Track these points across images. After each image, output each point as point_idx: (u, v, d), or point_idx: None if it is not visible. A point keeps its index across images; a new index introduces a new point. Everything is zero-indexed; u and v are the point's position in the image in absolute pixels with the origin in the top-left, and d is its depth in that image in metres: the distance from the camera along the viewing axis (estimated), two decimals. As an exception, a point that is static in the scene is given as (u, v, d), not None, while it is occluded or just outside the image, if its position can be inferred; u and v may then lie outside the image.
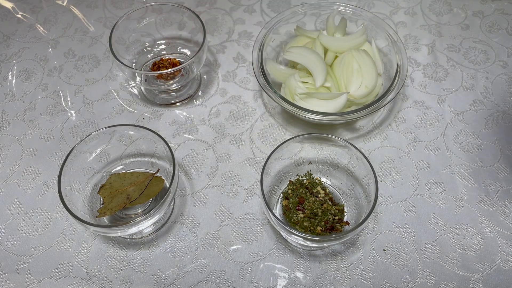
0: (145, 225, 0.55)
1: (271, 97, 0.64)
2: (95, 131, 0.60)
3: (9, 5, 0.87)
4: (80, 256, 0.59)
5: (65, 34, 0.82)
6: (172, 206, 0.63)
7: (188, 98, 0.74)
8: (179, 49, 0.78)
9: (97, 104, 0.73)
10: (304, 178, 0.62)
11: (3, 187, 0.65)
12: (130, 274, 0.58)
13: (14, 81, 0.76)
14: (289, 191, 0.60)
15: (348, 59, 0.66)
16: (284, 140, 0.59)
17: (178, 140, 0.69)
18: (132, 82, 0.75)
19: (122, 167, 0.65)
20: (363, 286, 0.56)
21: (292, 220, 0.57)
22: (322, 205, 0.58)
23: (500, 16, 0.82)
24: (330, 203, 0.58)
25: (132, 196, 0.59)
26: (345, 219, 0.59)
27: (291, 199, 0.59)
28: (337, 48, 0.68)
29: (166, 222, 0.62)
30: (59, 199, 0.54)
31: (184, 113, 0.72)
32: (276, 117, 0.72)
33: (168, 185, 0.59)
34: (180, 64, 0.74)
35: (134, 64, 0.74)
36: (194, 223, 0.62)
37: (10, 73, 0.77)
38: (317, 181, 0.61)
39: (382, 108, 0.69)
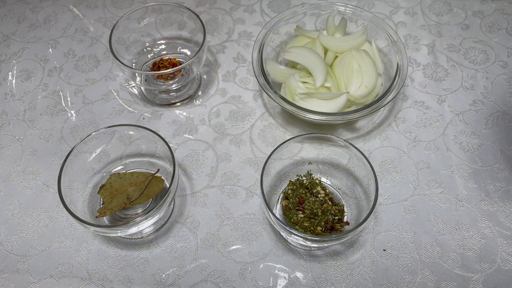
0: (145, 225, 0.55)
1: (271, 97, 0.64)
2: (95, 131, 0.60)
3: (9, 5, 0.87)
4: (80, 256, 0.59)
5: (65, 34, 0.82)
6: (172, 206, 0.63)
7: (188, 98, 0.74)
8: (179, 49, 0.78)
9: (97, 104, 0.73)
10: (304, 178, 0.62)
11: (3, 187, 0.65)
12: (130, 274, 0.58)
13: (14, 81, 0.76)
14: (289, 191, 0.60)
15: (348, 59, 0.66)
16: (284, 140, 0.59)
17: (178, 140, 0.69)
18: (132, 82, 0.75)
19: (122, 167, 0.65)
20: (363, 286, 0.56)
21: (292, 220, 0.57)
22: (322, 205, 0.58)
23: (500, 16, 0.82)
24: (330, 203, 0.58)
25: (132, 196, 0.59)
26: (345, 219, 0.59)
27: (291, 199, 0.59)
28: (337, 48, 0.68)
29: (166, 222, 0.62)
30: (59, 199, 0.54)
31: (184, 113, 0.72)
32: (276, 117, 0.72)
33: (168, 185, 0.59)
34: (180, 64, 0.74)
35: (134, 64, 0.74)
36: (194, 223, 0.62)
37: (10, 73, 0.77)
38: (317, 181, 0.61)
39: (382, 108, 0.69)
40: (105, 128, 0.60)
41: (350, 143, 0.57)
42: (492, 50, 0.77)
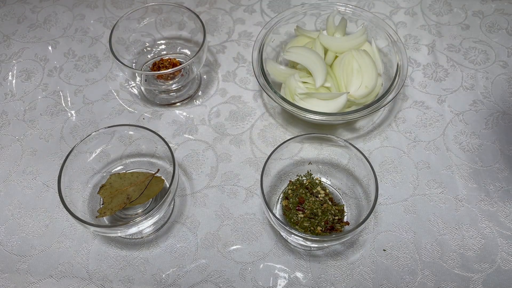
0: (145, 225, 0.55)
1: (271, 97, 0.64)
2: (95, 131, 0.60)
3: (9, 5, 0.87)
4: (80, 256, 0.59)
5: (65, 34, 0.82)
6: (172, 206, 0.63)
7: (188, 98, 0.74)
8: (179, 49, 0.78)
9: (97, 104, 0.73)
10: (304, 178, 0.62)
11: (3, 187, 0.65)
12: (130, 274, 0.58)
13: (14, 81, 0.76)
14: (289, 191, 0.60)
15: (348, 59, 0.66)
16: (284, 140, 0.59)
17: (178, 140, 0.69)
18: (132, 82, 0.75)
19: (122, 167, 0.65)
20: (363, 286, 0.56)
21: (292, 220, 0.57)
22: (322, 205, 0.58)
23: (500, 16, 0.82)
24: (330, 203, 0.58)
25: (132, 196, 0.59)
26: (345, 219, 0.59)
27: (291, 199, 0.59)
28: (337, 48, 0.68)
29: (166, 222, 0.62)
30: (59, 199, 0.54)
31: (184, 113, 0.72)
32: (276, 117, 0.72)
33: (168, 185, 0.59)
34: (180, 64, 0.74)
35: (134, 64, 0.74)
36: (194, 223, 0.62)
37: (10, 73, 0.77)
38: (317, 181, 0.61)
39: (382, 108, 0.69)
40: (105, 128, 0.60)
41: (350, 143, 0.57)
42: (492, 50, 0.77)
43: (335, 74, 0.67)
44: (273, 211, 0.57)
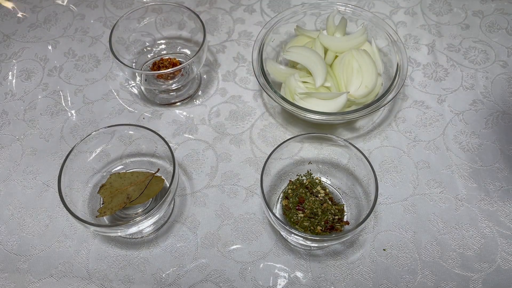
0: (145, 225, 0.55)
1: (271, 97, 0.64)
2: (95, 131, 0.60)
3: (9, 5, 0.87)
4: (80, 256, 0.59)
5: (65, 34, 0.82)
6: (172, 206, 0.63)
7: (188, 98, 0.74)
8: (179, 49, 0.78)
9: (97, 104, 0.73)
10: (304, 178, 0.62)
11: (3, 187, 0.65)
12: (130, 274, 0.58)
13: (14, 81, 0.76)
14: (289, 190, 0.60)
15: (348, 59, 0.66)
16: (284, 140, 0.59)
17: (178, 140, 0.69)
18: (132, 82, 0.75)
19: (122, 167, 0.65)
20: (363, 286, 0.56)
21: (292, 219, 0.57)
22: (322, 204, 0.58)
23: (500, 16, 0.82)
24: (330, 202, 0.58)
25: (132, 195, 0.59)
26: (345, 219, 0.59)
27: (291, 199, 0.59)
28: (337, 48, 0.68)
29: (166, 222, 0.62)
30: (59, 199, 0.54)
31: (184, 113, 0.72)
32: (276, 117, 0.72)
33: (168, 185, 0.59)
34: (180, 64, 0.74)
35: (134, 64, 0.74)
36: (194, 222, 0.62)
37: (10, 73, 0.77)
38: (317, 180, 0.61)
39: (382, 108, 0.69)
40: (105, 128, 0.60)
41: (350, 143, 0.58)
42: (492, 50, 0.77)
43: (335, 74, 0.68)
44: (273, 211, 0.57)
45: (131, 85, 0.76)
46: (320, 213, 0.57)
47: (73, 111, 0.72)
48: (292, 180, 0.61)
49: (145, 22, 0.76)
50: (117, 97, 0.74)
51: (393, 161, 0.66)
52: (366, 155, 0.57)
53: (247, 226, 0.61)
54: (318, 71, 0.65)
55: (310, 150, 0.64)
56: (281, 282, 0.57)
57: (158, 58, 0.76)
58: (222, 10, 0.85)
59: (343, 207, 0.60)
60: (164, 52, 0.77)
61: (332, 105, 0.63)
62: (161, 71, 0.66)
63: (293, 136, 0.59)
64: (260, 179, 0.55)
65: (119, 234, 0.54)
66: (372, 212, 0.52)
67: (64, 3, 0.86)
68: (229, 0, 0.86)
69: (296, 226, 0.56)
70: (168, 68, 0.71)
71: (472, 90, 0.73)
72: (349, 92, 0.65)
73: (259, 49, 0.69)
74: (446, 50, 0.78)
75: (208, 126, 0.71)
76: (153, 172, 0.61)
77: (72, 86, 0.76)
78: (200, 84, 0.76)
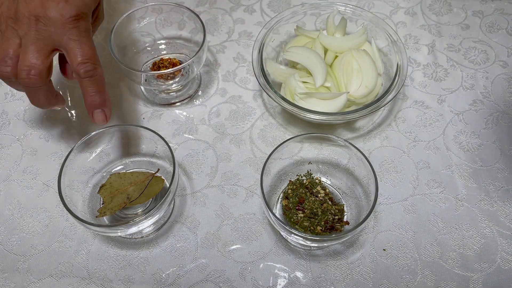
0: (145, 225, 0.55)
1: (271, 97, 0.64)
2: (95, 131, 0.60)
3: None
4: (80, 256, 0.59)
5: (65, 34, 0.82)
6: (172, 206, 0.63)
7: (188, 98, 0.74)
8: (179, 49, 0.78)
9: (97, 104, 0.73)
10: (304, 178, 0.62)
11: (3, 187, 0.65)
12: (130, 274, 0.58)
13: (14, 81, 0.76)
14: (289, 191, 0.60)
15: (348, 59, 0.66)
16: (284, 140, 0.59)
17: (178, 140, 0.69)
18: (132, 82, 0.75)
19: (122, 167, 0.65)
20: (363, 286, 0.56)
21: (292, 220, 0.57)
22: (322, 205, 0.58)
23: (500, 16, 0.82)
24: (330, 203, 0.58)
25: (132, 196, 0.59)
26: (345, 219, 0.59)
27: (291, 199, 0.59)
28: (337, 48, 0.68)
29: (166, 222, 0.62)
30: (59, 199, 0.54)
31: (184, 113, 0.72)
32: (276, 117, 0.72)
33: (168, 185, 0.59)
34: (180, 64, 0.74)
35: (134, 64, 0.74)
36: (194, 223, 0.62)
37: (10, 73, 0.77)
38: (317, 181, 0.61)
39: (382, 108, 0.69)
40: (105, 128, 0.60)
41: (350, 143, 0.58)
42: (492, 50, 0.78)
43: (335, 74, 0.68)
44: (273, 211, 0.57)
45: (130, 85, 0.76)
46: (320, 213, 0.57)
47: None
48: (292, 180, 0.61)
49: (145, 22, 0.76)
50: (117, 97, 0.74)
51: (393, 161, 0.66)
52: (366, 155, 0.57)
53: (247, 226, 0.61)
54: (318, 71, 0.65)
55: (310, 150, 0.64)
56: (281, 282, 0.57)
57: (158, 58, 0.76)
58: (222, 10, 0.85)
59: (343, 207, 0.60)
60: (164, 52, 0.77)
61: (332, 105, 0.63)
62: (161, 71, 0.66)
63: (293, 136, 0.59)
64: (260, 179, 0.55)
65: (119, 234, 0.54)
66: (372, 212, 0.52)
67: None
68: (229, 0, 0.86)
69: (296, 226, 0.56)
70: (168, 68, 0.72)
71: (472, 90, 0.73)
72: (349, 92, 0.65)
73: (259, 49, 0.69)
74: (446, 50, 0.78)
75: (208, 126, 0.71)
76: (153, 172, 0.61)
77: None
78: (200, 84, 0.76)
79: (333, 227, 0.57)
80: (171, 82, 0.72)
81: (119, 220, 0.60)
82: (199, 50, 0.66)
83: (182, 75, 0.73)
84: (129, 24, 0.73)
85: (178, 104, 0.73)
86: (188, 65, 0.68)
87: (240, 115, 0.72)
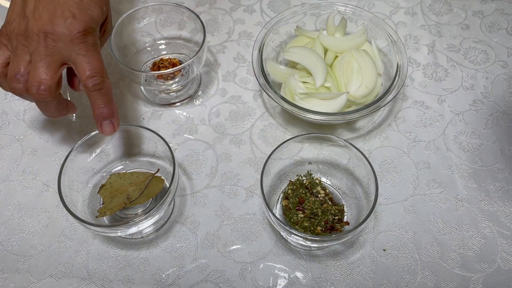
0: (145, 225, 0.55)
1: (271, 97, 0.64)
2: (95, 131, 0.60)
3: (9, 5, 0.87)
4: (80, 256, 0.59)
5: (65, 34, 0.82)
6: (172, 206, 0.63)
7: (188, 98, 0.74)
8: (179, 49, 0.78)
9: (97, 104, 0.73)
10: (304, 178, 0.62)
11: (3, 187, 0.65)
12: (130, 274, 0.58)
13: (14, 81, 0.76)
14: (289, 191, 0.60)
15: (348, 59, 0.66)
16: (284, 140, 0.59)
17: (178, 140, 0.69)
18: (132, 82, 0.75)
19: (122, 167, 0.65)
20: (363, 286, 0.56)
21: (292, 220, 0.57)
22: (322, 205, 0.58)
23: (500, 16, 0.82)
24: (330, 203, 0.58)
25: (132, 196, 0.59)
26: (345, 219, 0.59)
27: (291, 199, 0.59)
28: (337, 48, 0.68)
29: (166, 222, 0.62)
30: (59, 199, 0.54)
31: (184, 113, 0.72)
32: (276, 117, 0.72)
33: (168, 185, 0.59)
34: (180, 64, 0.74)
35: (134, 64, 0.74)
36: (194, 223, 0.62)
37: (10, 73, 0.77)
38: (317, 181, 0.61)
39: (382, 108, 0.69)
40: (105, 128, 0.60)
41: (350, 143, 0.58)
42: (492, 50, 0.77)
43: (335, 74, 0.68)
44: (273, 211, 0.57)
45: (131, 85, 0.76)
46: (320, 214, 0.57)
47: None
48: (292, 180, 0.61)
49: (145, 22, 0.76)
50: (117, 97, 0.74)
51: (393, 162, 0.66)
52: (366, 155, 0.57)
53: (247, 226, 0.61)
54: (318, 71, 0.65)
55: (310, 151, 0.64)
56: (281, 282, 0.57)
57: (158, 58, 0.76)
58: (222, 10, 0.85)
59: (343, 207, 0.60)
60: (164, 52, 0.77)
61: (332, 105, 0.63)
62: (161, 72, 0.66)
63: (293, 136, 0.59)
64: (260, 179, 0.55)
65: (119, 234, 0.54)
66: (372, 213, 0.52)
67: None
68: (229, 0, 0.86)
69: (296, 227, 0.56)
70: (168, 69, 0.71)
71: (472, 90, 0.73)
72: (349, 92, 0.65)
73: (259, 49, 0.69)
74: (446, 50, 0.78)
75: (208, 126, 0.71)
76: (153, 172, 0.61)
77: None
78: (200, 84, 0.76)
79: (333, 228, 0.57)
80: (171, 82, 0.72)
81: (119, 220, 0.60)
82: (199, 50, 0.66)
83: (182, 75, 0.73)
84: (129, 24, 0.73)
85: (178, 104, 0.73)
86: (188, 65, 0.68)
87: (240, 115, 0.72)
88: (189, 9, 0.72)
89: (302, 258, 0.58)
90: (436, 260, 0.58)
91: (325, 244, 0.56)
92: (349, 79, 0.65)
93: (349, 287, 0.56)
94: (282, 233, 0.58)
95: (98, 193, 0.59)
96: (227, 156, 0.67)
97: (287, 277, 0.57)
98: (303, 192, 0.59)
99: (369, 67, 0.65)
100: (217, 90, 0.75)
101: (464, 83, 0.74)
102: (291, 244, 0.60)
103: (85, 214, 0.58)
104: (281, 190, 0.62)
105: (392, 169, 0.66)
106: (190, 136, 0.70)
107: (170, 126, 0.71)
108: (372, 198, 0.54)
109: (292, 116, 0.71)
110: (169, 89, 0.73)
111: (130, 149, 0.65)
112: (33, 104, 0.73)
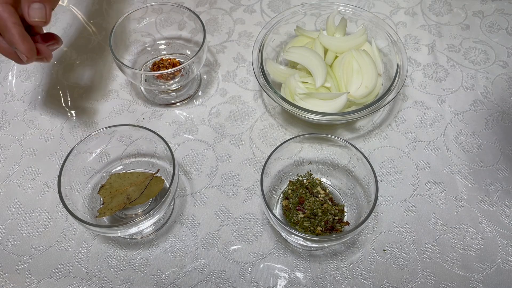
0: (145, 225, 0.55)
1: (271, 97, 0.64)
2: (95, 131, 0.60)
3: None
4: (80, 256, 0.59)
5: (65, 34, 0.82)
6: (172, 206, 0.63)
7: (188, 98, 0.74)
8: (179, 49, 0.78)
9: (97, 104, 0.73)
10: (304, 178, 0.62)
11: (3, 187, 0.65)
12: (130, 274, 0.58)
13: (14, 81, 0.76)
14: (289, 191, 0.60)
15: (348, 59, 0.66)
16: (284, 140, 0.59)
17: (178, 140, 0.69)
18: (132, 82, 0.75)
19: (122, 167, 0.65)
20: (363, 286, 0.56)
21: (292, 220, 0.57)
22: (322, 205, 0.58)
23: (500, 16, 0.82)
24: (330, 203, 0.58)
25: (132, 196, 0.59)
26: (345, 219, 0.59)
27: (291, 199, 0.59)
28: (337, 48, 0.68)
29: (166, 222, 0.62)
30: (59, 199, 0.54)
31: (184, 113, 0.72)
32: (276, 117, 0.72)
33: (168, 185, 0.59)
34: (180, 64, 0.74)
35: (134, 65, 0.74)
36: (194, 223, 0.62)
37: (10, 73, 0.77)
38: (317, 181, 0.61)
39: (382, 108, 0.69)
40: (105, 128, 0.60)
41: (350, 143, 0.57)
42: (492, 50, 0.77)
43: (335, 74, 0.68)
44: (273, 211, 0.57)
45: (131, 86, 0.76)
46: (320, 214, 0.57)
47: (73, 112, 0.72)
48: (292, 180, 0.61)
49: (145, 22, 0.76)
50: (117, 97, 0.74)
51: (393, 162, 0.66)
52: (366, 155, 0.57)
53: (247, 226, 0.61)
54: (318, 72, 0.65)
55: (310, 151, 0.64)
56: (281, 282, 0.57)
57: (158, 58, 0.76)
58: (222, 10, 0.85)
59: (343, 207, 0.60)
60: (164, 52, 0.77)
61: (332, 106, 0.63)
62: (161, 72, 0.66)
63: (293, 136, 0.59)
64: (260, 179, 0.55)
65: (119, 234, 0.54)
66: (372, 213, 0.52)
67: (64, 4, 0.86)
68: (229, 1, 0.86)
69: (296, 227, 0.56)
70: (168, 69, 0.71)
71: (472, 90, 0.73)
72: (349, 92, 0.65)
73: (259, 50, 0.69)
74: (446, 50, 0.78)
75: (208, 126, 0.71)
76: (153, 172, 0.61)
77: (72, 86, 0.76)
78: (200, 85, 0.76)
79: (333, 228, 0.57)
80: (171, 82, 0.72)
81: (119, 220, 0.60)
82: (199, 50, 0.66)
83: (182, 75, 0.73)
84: (129, 24, 0.73)
85: (178, 104, 0.73)
86: (188, 65, 0.68)
87: (240, 115, 0.72)
88: (189, 9, 0.72)
89: (302, 258, 0.58)
90: (436, 260, 0.58)
91: (325, 244, 0.56)
92: (349, 79, 0.65)
93: (349, 287, 0.56)
94: (282, 233, 0.58)
95: (98, 193, 0.59)
96: (227, 156, 0.67)
97: (287, 277, 0.57)
98: (303, 192, 0.59)
99: (369, 67, 0.65)
100: (217, 90, 0.75)
101: (464, 83, 0.74)
102: (291, 244, 0.60)
103: (85, 214, 0.58)
104: (281, 190, 0.62)
105: (392, 169, 0.65)
106: (190, 136, 0.70)
107: (170, 126, 0.71)
108: (372, 198, 0.54)
109: (292, 116, 0.71)
110: (169, 89, 0.73)
111: (130, 149, 0.65)
112: (33, 104, 0.73)
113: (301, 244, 0.59)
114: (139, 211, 0.61)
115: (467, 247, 0.59)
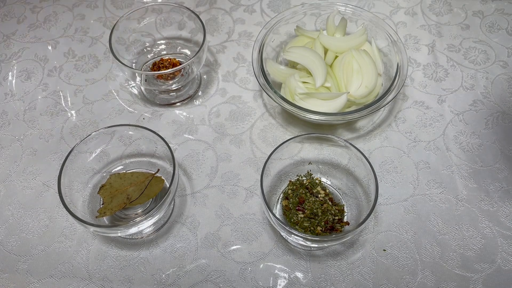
0: (145, 225, 0.55)
1: (271, 97, 0.64)
2: (95, 131, 0.60)
3: (9, 5, 0.87)
4: (80, 256, 0.59)
5: (65, 34, 0.82)
6: (172, 206, 0.63)
7: (188, 98, 0.74)
8: (179, 49, 0.78)
9: (97, 104, 0.73)
10: (304, 178, 0.62)
11: (3, 187, 0.65)
12: (130, 274, 0.58)
13: (14, 81, 0.76)
14: (289, 191, 0.60)
15: (348, 59, 0.66)
16: (284, 140, 0.59)
17: (178, 140, 0.69)
18: (132, 82, 0.75)
19: (122, 167, 0.65)
20: (363, 286, 0.56)
21: (292, 220, 0.57)
22: (322, 205, 0.58)
23: (500, 16, 0.82)
24: (330, 203, 0.58)
25: (132, 196, 0.59)
26: (345, 219, 0.59)
27: (291, 199, 0.59)
28: (337, 48, 0.68)
29: (166, 222, 0.62)
30: (59, 199, 0.54)
31: (184, 113, 0.72)
32: (276, 117, 0.72)
33: (168, 185, 0.59)
34: (180, 64, 0.74)
35: (134, 64, 0.74)
36: (194, 223, 0.62)
37: (10, 73, 0.77)
38: (317, 181, 0.61)
39: (382, 108, 0.69)
40: (105, 128, 0.60)
41: (350, 143, 0.57)
42: (492, 50, 0.77)
43: (335, 74, 0.67)
44: (273, 211, 0.57)
45: (131, 86, 0.76)
46: (320, 214, 0.57)
47: (73, 112, 0.72)
48: (292, 180, 0.61)
49: (145, 22, 0.76)
50: (117, 97, 0.74)
51: (393, 162, 0.66)
52: (366, 155, 0.57)
53: (247, 226, 0.61)
54: (318, 71, 0.65)
55: (310, 151, 0.64)
56: (281, 282, 0.57)
57: (158, 58, 0.76)
58: (222, 10, 0.85)
59: (343, 207, 0.60)
60: (164, 52, 0.77)
61: (332, 106, 0.63)
62: (161, 72, 0.66)
63: (293, 136, 0.59)
64: (260, 179, 0.55)
65: (119, 234, 0.54)
66: (372, 213, 0.52)
67: (64, 4, 0.86)
68: (229, 0, 0.86)
69: (296, 227, 0.56)
70: (168, 69, 0.71)
71: (472, 90, 0.73)
72: (349, 92, 0.65)
73: (259, 49, 0.69)
74: (446, 50, 0.78)
75: (208, 126, 0.71)
76: (153, 172, 0.61)
77: (72, 86, 0.76)
78: (200, 85, 0.76)
79: (333, 228, 0.57)
80: (171, 82, 0.72)
81: (119, 220, 0.60)
82: (199, 50, 0.66)
83: (182, 75, 0.73)
84: (129, 24, 0.73)
85: (178, 104, 0.73)
86: (188, 65, 0.68)
87: (240, 115, 0.72)
88: (189, 9, 0.72)
89: (302, 258, 0.58)
90: (436, 260, 0.58)
91: (325, 244, 0.56)
92: (349, 79, 0.65)
93: (349, 287, 0.56)
94: (282, 233, 0.58)
95: (98, 193, 0.59)
96: (227, 156, 0.67)
97: (287, 277, 0.57)
98: (303, 192, 0.59)
99: (369, 67, 0.65)
100: (217, 90, 0.75)
101: (464, 83, 0.74)
102: (291, 244, 0.60)
103: (85, 214, 0.58)
104: (281, 190, 0.62)
105: (392, 169, 0.65)
106: (190, 136, 0.70)
107: (170, 126, 0.71)
108: (372, 198, 0.54)
109: (292, 116, 0.71)
110: (169, 89, 0.73)
111: (130, 149, 0.65)
112: (33, 104, 0.74)
113: (301, 244, 0.59)
114: (139, 211, 0.61)
115: (467, 247, 0.59)
